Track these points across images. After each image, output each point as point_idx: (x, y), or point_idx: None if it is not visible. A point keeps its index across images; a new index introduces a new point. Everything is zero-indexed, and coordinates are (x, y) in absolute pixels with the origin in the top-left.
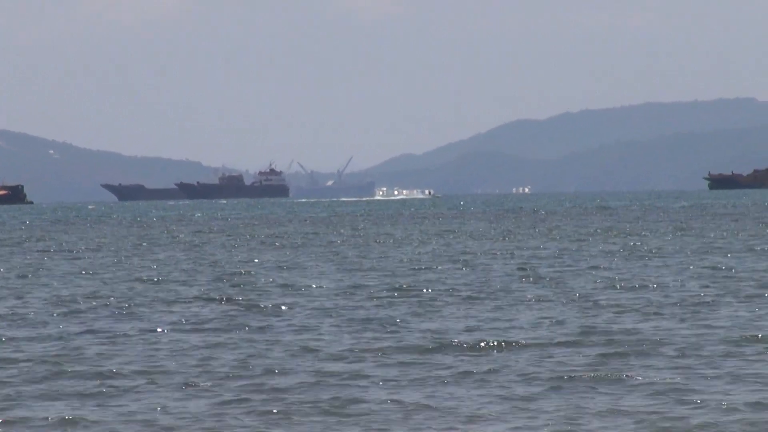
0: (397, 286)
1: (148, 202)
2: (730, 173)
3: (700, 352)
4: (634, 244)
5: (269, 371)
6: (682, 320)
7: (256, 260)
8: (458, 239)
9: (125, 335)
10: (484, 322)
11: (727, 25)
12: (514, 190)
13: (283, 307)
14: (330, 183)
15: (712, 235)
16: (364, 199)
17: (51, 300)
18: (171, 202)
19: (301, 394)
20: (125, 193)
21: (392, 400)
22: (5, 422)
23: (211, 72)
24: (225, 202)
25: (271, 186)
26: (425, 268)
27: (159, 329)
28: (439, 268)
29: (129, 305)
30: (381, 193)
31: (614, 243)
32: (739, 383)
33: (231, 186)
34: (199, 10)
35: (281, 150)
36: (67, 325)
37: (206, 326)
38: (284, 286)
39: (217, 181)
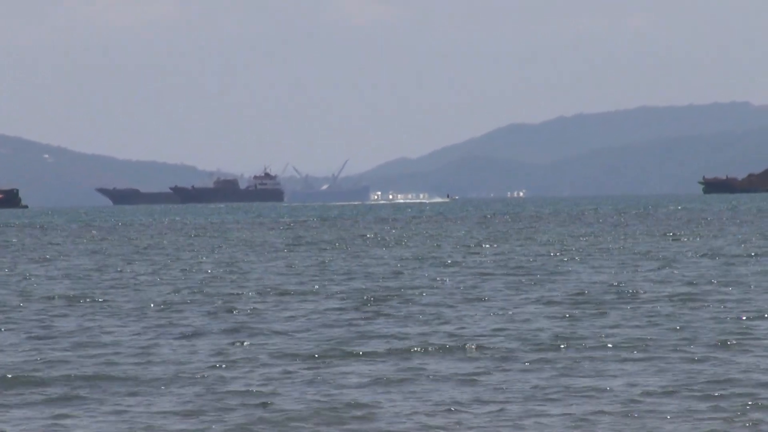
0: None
1: (143, 206)
2: (725, 177)
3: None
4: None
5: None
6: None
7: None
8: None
9: None
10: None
11: (721, 29)
12: (508, 194)
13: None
14: (325, 187)
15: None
16: (381, 202)
17: None
18: (159, 207)
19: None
20: (120, 197)
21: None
22: None
23: (206, 76)
24: (223, 206)
25: (265, 190)
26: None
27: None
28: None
29: None
30: (376, 197)
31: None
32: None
33: (226, 190)
34: (193, 15)
35: (276, 154)
36: None
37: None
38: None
39: (212, 185)
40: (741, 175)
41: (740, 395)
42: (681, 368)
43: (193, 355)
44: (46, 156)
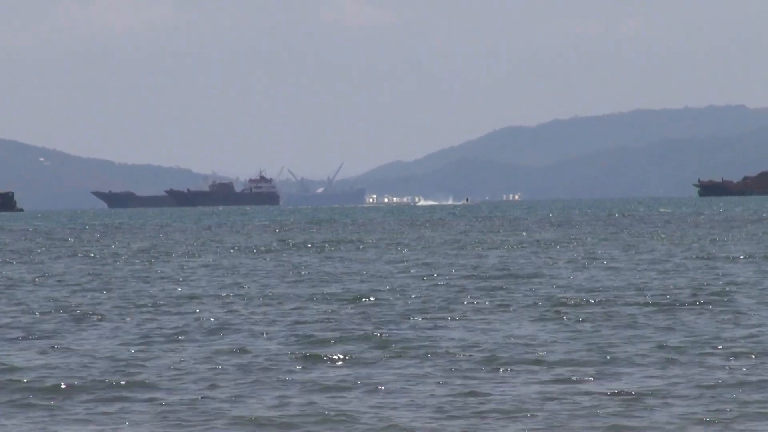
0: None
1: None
2: (721, 180)
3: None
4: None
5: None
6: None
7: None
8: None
9: None
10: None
11: (717, 32)
12: (504, 197)
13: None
14: (320, 190)
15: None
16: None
17: None
18: (154, 210)
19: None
20: (115, 200)
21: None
22: None
23: (202, 79)
24: (222, 209)
25: (261, 193)
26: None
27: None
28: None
29: None
30: (371, 200)
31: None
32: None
33: (221, 193)
34: (189, 18)
35: (272, 157)
36: None
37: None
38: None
39: (207, 189)
40: (736, 178)
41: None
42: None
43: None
44: (42, 159)
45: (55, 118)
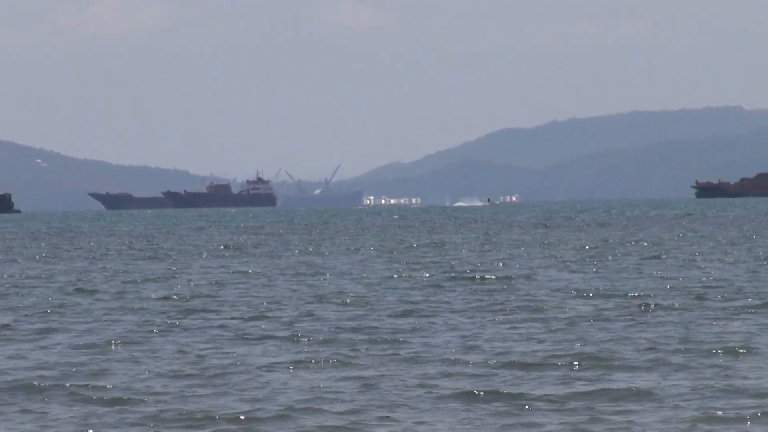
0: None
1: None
2: (718, 181)
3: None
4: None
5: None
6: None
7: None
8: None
9: None
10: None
11: (714, 34)
12: (501, 198)
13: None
14: (318, 191)
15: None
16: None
17: None
18: (151, 211)
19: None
20: (113, 201)
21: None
22: None
23: (199, 81)
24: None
25: (258, 195)
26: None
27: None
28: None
29: None
30: (369, 201)
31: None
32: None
33: (218, 195)
34: (186, 20)
35: (269, 158)
36: None
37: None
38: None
39: (204, 190)
40: (734, 180)
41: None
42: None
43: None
44: (40, 161)
45: (52, 119)
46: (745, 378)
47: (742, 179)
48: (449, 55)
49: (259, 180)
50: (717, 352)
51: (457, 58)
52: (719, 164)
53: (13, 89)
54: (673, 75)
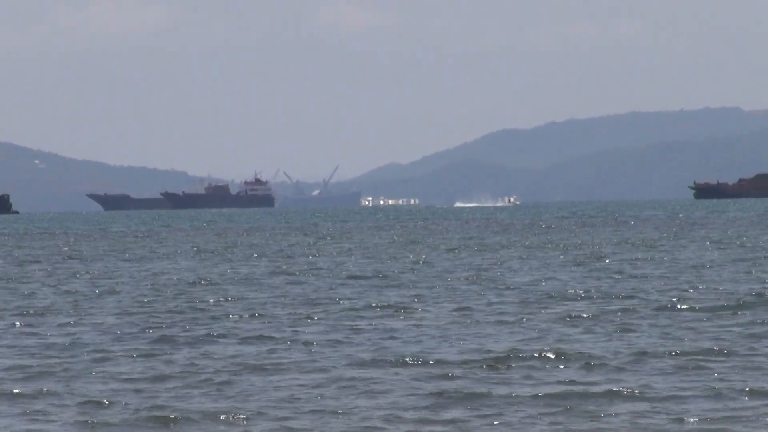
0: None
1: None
2: (716, 183)
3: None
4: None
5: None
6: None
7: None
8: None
9: None
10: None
11: (712, 35)
12: (499, 199)
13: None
14: (316, 192)
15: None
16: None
17: None
18: (149, 213)
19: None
20: (111, 202)
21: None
22: None
23: (197, 81)
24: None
25: (256, 196)
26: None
27: None
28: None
29: None
30: (367, 202)
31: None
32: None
33: (216, 196)
34: (185, 20)
35: (267, 159)
36: None
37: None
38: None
39: (203, 191)
40: (732, 181)
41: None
42: None
43: None
44: (37, 162)
45: (50, 120)
46: (721, 380)
47: (741, 180)
48: (447, 56)
49: (257, 181)
50: (677, 354)
51: (455, 59)
52: (718, 165)
53: (10, 90)
54: (672, 76)
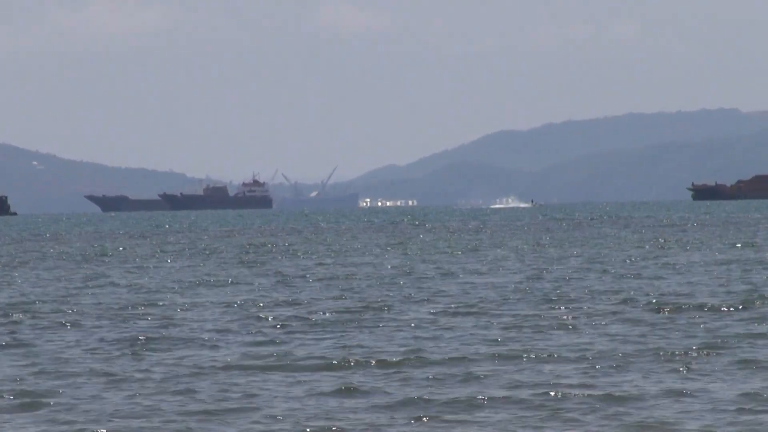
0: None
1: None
2: (714, 184)
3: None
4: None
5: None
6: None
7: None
8: None
9: None
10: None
11: (710, 36)
12: (497, 200)
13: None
14: (314, 194)
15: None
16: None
17: None
18: (147, 214)
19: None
20: (109, 204)
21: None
22: None
23: (195, 83)
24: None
25: (254, 197)
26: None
27: None
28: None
29: None
30: (365, 204)
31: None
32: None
33: (215, 197)
34: (183, 22)
35: (265, 161)
36: None
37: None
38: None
39: (201, 192)
40: (730, 182)
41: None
42: None
43: None
44: (35, 163)
45: (48, 121)
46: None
47: (739, 182)
48: (445, 57)
49: (256, 182)
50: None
51: (452, 60)
52: (716, 166)
53: (8, 91)
54: (670, 77)
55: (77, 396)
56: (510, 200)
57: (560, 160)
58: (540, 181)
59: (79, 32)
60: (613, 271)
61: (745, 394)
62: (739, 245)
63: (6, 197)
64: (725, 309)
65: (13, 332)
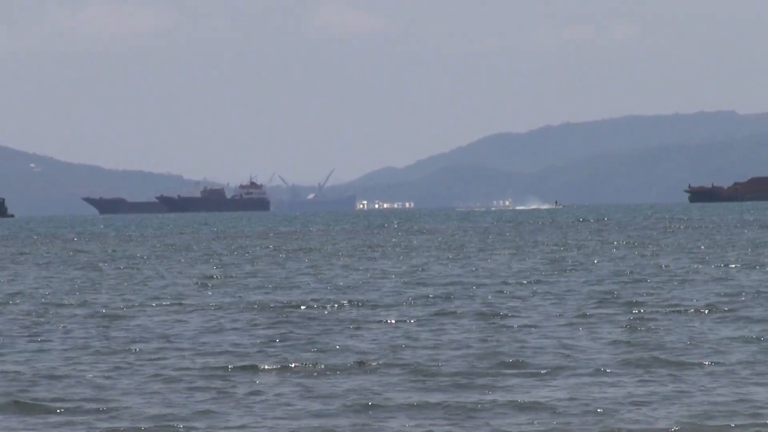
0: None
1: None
2: (711, 186)
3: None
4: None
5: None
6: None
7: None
8: None
9: None
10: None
11: (708, 39)
12: (495, 203)
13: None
14: (311, 196)
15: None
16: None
17: None
18: (145, 216)
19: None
20: (106, 206)
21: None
22: None
23: (193, 85)
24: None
25: (251, 199)
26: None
27: None
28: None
29: None
30: (362, 206)
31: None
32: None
33: (211, 199)
34: (181, 25)
35: (263, 163)
36: None
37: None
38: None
39: (198, 195)
40: (727, 184)
41: None
42: None
43: None
44: (33, 165)
45: (45, 124)
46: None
47: (735, 184)
48: (442, 59)
49: (253, 185)
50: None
51: (450, 62)
52: (713, 168)
53: (5, 93)
54: (668, 79)
55: (78, 395)
56: (508, 201)
57: (558, 163)
58: (538, 184)
59: (78, 32)
60: None
61: None
62: None
63: (3, 199)
64: None
65: (34, 328)
